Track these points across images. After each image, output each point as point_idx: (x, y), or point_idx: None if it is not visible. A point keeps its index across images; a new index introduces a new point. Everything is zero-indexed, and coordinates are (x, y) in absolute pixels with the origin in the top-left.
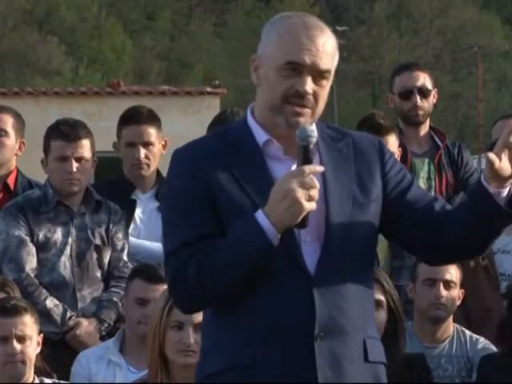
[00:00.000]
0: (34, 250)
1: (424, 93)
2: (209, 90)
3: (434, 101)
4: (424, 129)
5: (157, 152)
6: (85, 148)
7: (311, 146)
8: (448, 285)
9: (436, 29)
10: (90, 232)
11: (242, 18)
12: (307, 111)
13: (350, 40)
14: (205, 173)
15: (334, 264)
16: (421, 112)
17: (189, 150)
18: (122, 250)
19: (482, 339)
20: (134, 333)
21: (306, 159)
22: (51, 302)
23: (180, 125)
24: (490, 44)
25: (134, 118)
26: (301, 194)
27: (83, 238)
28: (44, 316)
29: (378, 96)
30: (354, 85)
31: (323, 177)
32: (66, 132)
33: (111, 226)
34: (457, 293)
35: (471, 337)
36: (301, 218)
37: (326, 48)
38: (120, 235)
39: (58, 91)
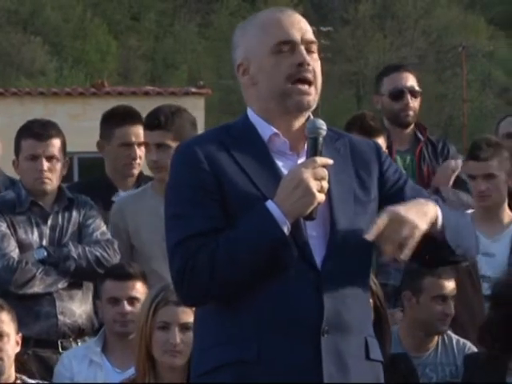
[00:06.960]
0: (16, 244)
1: (414, 93)
2: (193, 90)
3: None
4: (409, 128)
5: (143, 152)
6: (55, 147)
7: (320, 139)
8: (452, 299)
9: (420, 29)
10: (63, 231)
11: (227, 19)
12: (312, 90)
13: (335, 41)
14: (213, 166)
15: (339, 261)
16: (411, 112)
17: (196, 143)
18: (93, 231)
19: (468, 344)
20: (112, 332)
21: (316, 151)
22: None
23: None
24: (475, 44)
25: (129, 118)
26: (313, 183)
27: (58, 239)
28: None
29: (362, 96)
30: (338, 85)
31: None
32: (36, 131)
33: (81, 219)
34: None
35: (458, 342)
36: (311, 209)
37: (305, 23)
38: (89, 221)
39: (43, 91)
